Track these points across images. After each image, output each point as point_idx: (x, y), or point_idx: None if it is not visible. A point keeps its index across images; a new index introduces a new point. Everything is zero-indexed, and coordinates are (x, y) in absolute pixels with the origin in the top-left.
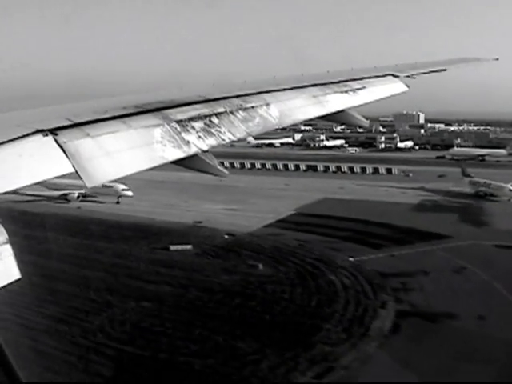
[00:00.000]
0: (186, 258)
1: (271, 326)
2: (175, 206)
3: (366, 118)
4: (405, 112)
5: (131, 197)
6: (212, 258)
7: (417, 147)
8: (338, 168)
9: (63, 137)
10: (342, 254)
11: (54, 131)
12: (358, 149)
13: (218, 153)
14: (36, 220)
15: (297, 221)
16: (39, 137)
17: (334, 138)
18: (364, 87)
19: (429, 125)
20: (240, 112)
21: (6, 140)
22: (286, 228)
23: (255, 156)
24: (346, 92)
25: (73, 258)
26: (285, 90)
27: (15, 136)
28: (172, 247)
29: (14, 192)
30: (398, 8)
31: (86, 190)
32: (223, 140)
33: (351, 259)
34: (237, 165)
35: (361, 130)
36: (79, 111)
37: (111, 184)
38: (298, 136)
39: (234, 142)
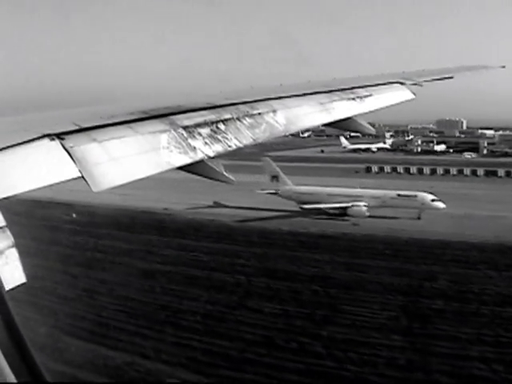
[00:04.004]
0: None
1: None
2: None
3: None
4: (448, 118)
5: (442, 209)
6: None
7: (451, 150)
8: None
9: (70, 141)
10: None
11: (60, 136)
12: (473, 154)
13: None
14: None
15: None
16: (46, 141)
17: (428, 142)
18: (371, 94)
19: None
20: (247, 118)
21: (13, 144)
22: None
23: (393, 161)
24: (353, 99)
25: None
26: (291, 96)
27: (22, 140)
28: None
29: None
30: (404, 14)
31: (373, 201)
32: (230, 147)
33: None
34: (388, 169)
35: (457, 135)
36: (86, 116)
37: (414, 193)
38: (388, 141)
39: (240, 148)
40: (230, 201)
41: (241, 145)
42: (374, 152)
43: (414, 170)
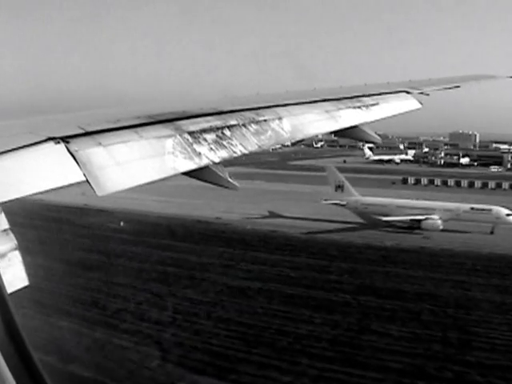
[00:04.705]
0: None
1: None
2: None
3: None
4: (461, 131)
5: None
6: None
7: (475, 163)
8: None
9: (75, 145)
10: None
11: (65, 139)
12: (499, 168)
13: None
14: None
15: None
16: (51, 144)
17: (451, 155)
18: (377, 103)
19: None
20: (252, 125)
21: (17, 147)
22: None
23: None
24: (359, 107)
25: None
26: (297, 104)
27: (27, 143)
28: None
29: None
30: (411, 23)
31: (446, 214)
32: (235, 153)
33: None
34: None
35: (477, 149)
36: (91, 120)
37: (489, 206)
38: (410, 152)
39: (246, 155)
40: (282, 210)
41: (246, 151)
42: (397, 163)
43: (451, 182)
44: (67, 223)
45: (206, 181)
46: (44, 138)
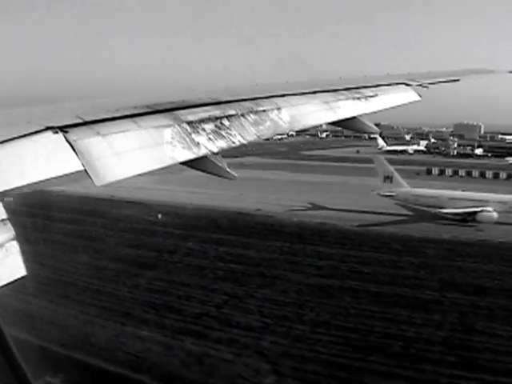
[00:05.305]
0: None
1: None
2: None
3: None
4: (465, 122)
5: None
6: None
7: (489, 154)
8: None
9: (73, 135)
10: None
11: (64, 129)
12: None
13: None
14: None
15: None
16: (49, 134)
17: (464, 146)
18: (376, 95)
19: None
20: (251, 115)
21: (15, 136)
22: None
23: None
24: (358, 99)
25: None
26: (296, 94)
27: (25, 132)
28: None
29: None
30: (411, 17)
31: (500, 206)
32: (233, 143)
33: None
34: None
35: (478, 139)
36: (90, 109)
37: None
38: (422, 143)
39: (244, 144)
40: (322, 202)
41: (245, 141)
42: (410, 154)
43: (476, 173)
44: (101, 216)
45: (204, 171)
46: (42, 128)
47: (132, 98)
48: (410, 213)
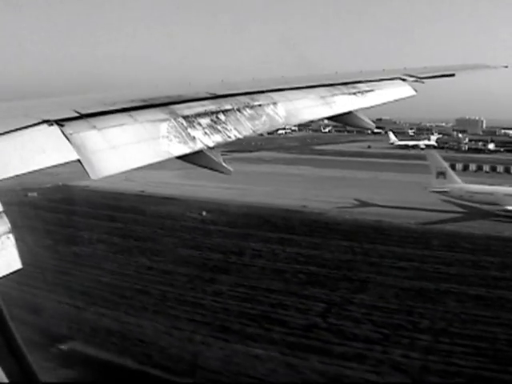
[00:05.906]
0: None
1: None
2: None
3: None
4: (467, 117)
5: None
6: None
7: (501, 149)
8: None
9: (69, 128)
10: None
11: (60, 122)
12: None
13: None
14: None
15: None
16: (45, 127)
17: (476, 141)
18: (372, 89)
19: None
20: (247, 110)
21: (12, 129)
22: None
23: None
24: (354, 94)
25: None
26: (292, 89)
27: (21, 125)
28: None
29: None
30: (407, 13)
31: None
32: (229, 137)
33: None
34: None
35: (481, 134)
36: (86, 103)
37: None
38: (432, 137)
39: (240, 139)
40: (366, 198)
41: (240, 136)
42: (422, 149)
43: (500, 169)
44: (140, 213)
45: (200, 165)
46: (38, 121)
47: (129, 92)
48: (460, 209)
